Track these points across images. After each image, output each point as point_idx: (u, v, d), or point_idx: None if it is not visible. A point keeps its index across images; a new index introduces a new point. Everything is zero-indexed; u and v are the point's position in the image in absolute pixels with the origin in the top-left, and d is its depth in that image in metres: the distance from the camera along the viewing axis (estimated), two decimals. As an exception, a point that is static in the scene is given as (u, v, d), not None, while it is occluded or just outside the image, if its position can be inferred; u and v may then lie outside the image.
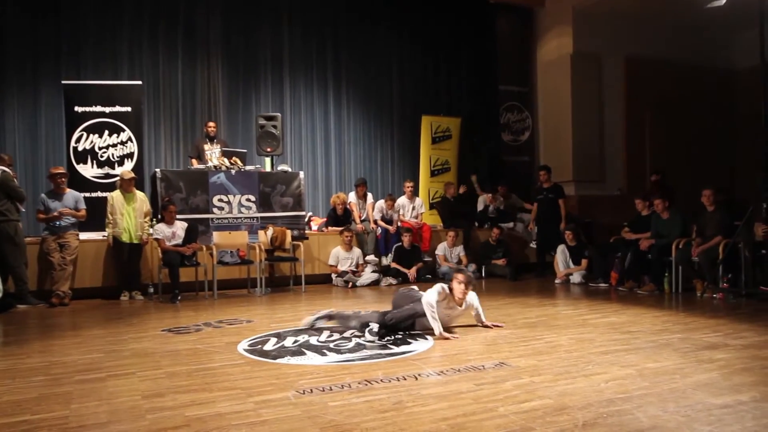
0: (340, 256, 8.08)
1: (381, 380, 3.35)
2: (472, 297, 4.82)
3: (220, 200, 7.88)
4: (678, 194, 8.39)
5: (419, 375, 3.44)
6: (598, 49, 10.35)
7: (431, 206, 10.03)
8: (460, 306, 4.74)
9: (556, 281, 7.96)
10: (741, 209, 6.63)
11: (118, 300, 6.91)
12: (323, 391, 3.16)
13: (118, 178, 7.25)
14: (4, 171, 6.60)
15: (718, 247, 6.51)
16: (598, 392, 3.06)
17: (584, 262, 7.89)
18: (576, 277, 7.85)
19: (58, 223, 6.85)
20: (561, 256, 8.08)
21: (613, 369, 3.52)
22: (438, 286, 4.64)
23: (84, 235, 7.15)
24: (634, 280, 7.22)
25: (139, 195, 7.19)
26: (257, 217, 8.02)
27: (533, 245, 9.14)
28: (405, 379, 3.37)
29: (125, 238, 6.95)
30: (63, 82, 8.02)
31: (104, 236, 7.08)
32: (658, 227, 7.23)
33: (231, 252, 7.52)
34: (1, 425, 2.73)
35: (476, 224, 9.38)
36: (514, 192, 9.98)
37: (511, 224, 9.50)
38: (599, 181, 10.37)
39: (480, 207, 9.61)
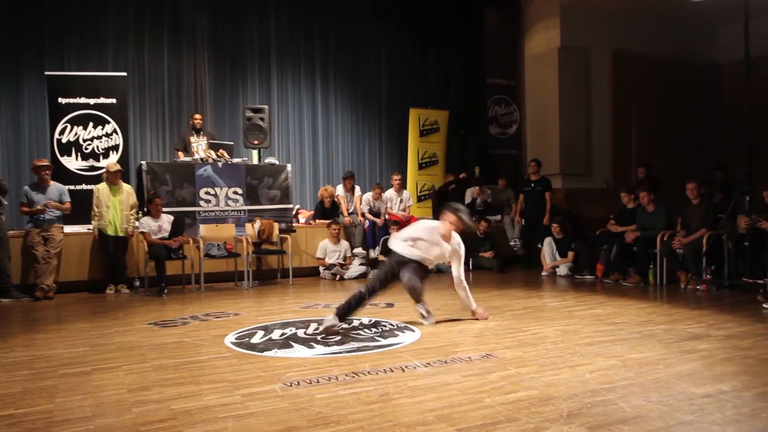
0: (328, 249, 8.07)
1: (368, 372, 3.36)
2: (458, 241, 4.87)
3: (207, 193, 7.83)
4: (664, 187, 8.47)
5: (406, 367, 3.46)
6: (585, 42, 10.38)
7: (424, 197, 10.04)
8: (447, 242, 4.77)
9: (543, 273, 8.02)
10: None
11: (103, 293, 6.86)
12: (310, 383, 3.16)
13: (104, 170, 7.18)
14: (-14, 163, 6.51)
15: (702, 240, 6.59)
16: (582, 383, 3.10)
17: (571, 254, 7.95)
18: (562, 270, 7.92)
19: (42, 216, 6.77)
20: (548, 248, 8.13)
21: (598, 360, 3.56)
22: (435, 223, 4.88)
23: (69, 228, 7.07)
24: (619, 272, 7.29)
25: (126, 188, 7.12)
26: (244, 210, 7.98)
27: (512, 243, 9.19)
28: (392, 371, 3.38)
29: (111, 231, 6.89)
30: (46, 73, 7.91)
31: (89, 229, 7.02)
32: (643, 220, 7.30)
33: (218, 245, 7.48)
34: (-16, 419, 2.71)
35: (473, 218, 9.35)
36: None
37: (498, 217, 9.54)
38: (586, 174, 10.44)
39: (468, 200, 9.63)
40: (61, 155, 7.60)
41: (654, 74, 10.58)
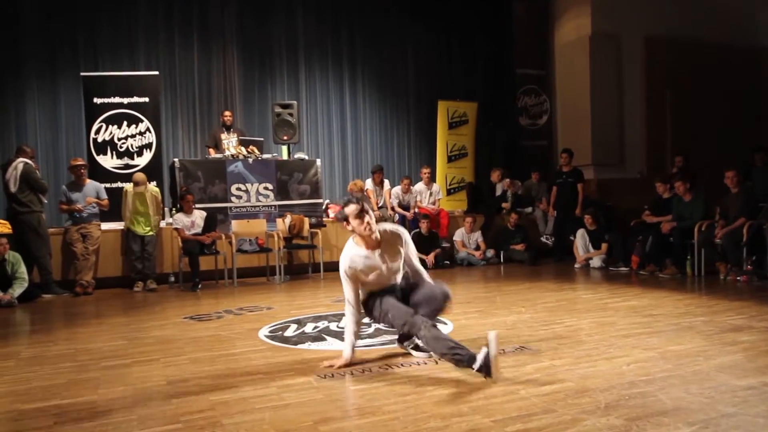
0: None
1: (401, 365, 3.36)
2: (390, 228, 3.46)
3: (238, 189, 7.92)
4: (701, 176, 8.25)
5: (439, 359, 3.45)
6: (616, 29, 10.16)
7: (453, 190, 10.01)
8: (378, 248, 3.35)
9: (576, 266, 7.90)
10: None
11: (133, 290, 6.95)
12: (344, 375, 3.18)
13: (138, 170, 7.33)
14: (26, 163, 6.71)
15: (742, 229, 6.40)
16: (619, 375, 3.04)
17: (604, 246, 7.82)
18: (596, 262, 7.79)
19: (80, 213, 6.96)
20: (580, 240, 8.01)
21: (635, 352, 3.49)
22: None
23: (105, 226, 7.25)
24: (655, 263, 7.13)
25: (151, 188, 7.25)
26: (275, 206, 8.06)
27: (545, 239, 9.07)
28: (425, 363, 3.38)
29: (140, 231, 7.03)
30: (81, 74, 8.11)
31: (123, 227, 7.18)
32: (679, 210, 7.12)
33: (250, 240, 7.58)
34: (34, 409, 2.80)
35: (503, 210, 9.27)
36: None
37: (529, 209, 9.43)
38: (619, 164, 10.23)
39: (498, 192, 9.55)
40: (97, 154, 7.78)
41: (688, 60, 10.29)
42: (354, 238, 3.43)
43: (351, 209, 3.30)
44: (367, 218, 3.29)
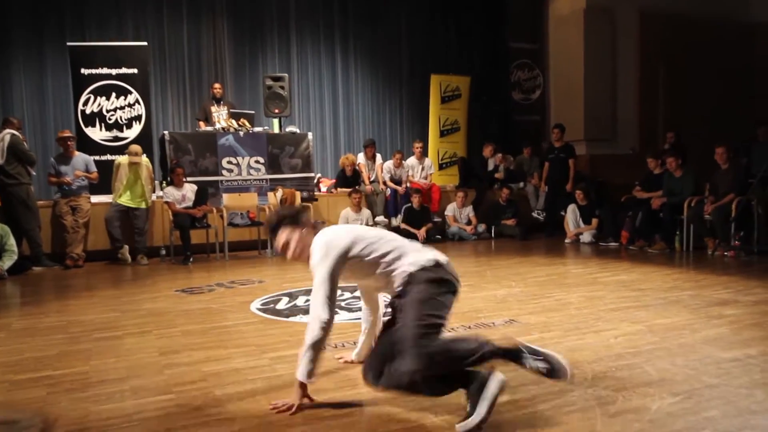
0: (350, 218, 8.09)
1: (392, 337, 3.39)
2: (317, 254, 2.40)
3: (229, 162, 7.87)
4: (692, 152, 8.28)
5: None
6: (611, 2, 10.06)
7: (445, 165, 9.99)
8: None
9: (566, 241, 7.95)
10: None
11: (131, 263, 6.89)
12: (336, 347, 3.21)
13: (127, 147, 7.23)
14: (13, 134, 6.62)
15: (731, 205, 6.45)
16: (607, 347, 3.09)
17: (595, 221, 7.87)
18: (586, 237, 7.84)
19: (69, 186, 6.90)
20: (571, 215, 8.05)
21: (623, 325, 3.54)
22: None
23: (95, 199, 7.19)
24: (644, 239, 7.20)
25: (144, 161, 7.18)
26: (266, 179, 8.02)
27: (536, 214, 9.10)
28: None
29: (131, 204, 6.99)
30: (68, 44, 7.94)
31: (113, 200, 7.13)
32: (670, 185, 7.16)
33: (241, 214, 7.55)
34: (26, 380, 2.82)
35: (495, 185, 9.27)
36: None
37: (521, 184, 9.45)
38: (611, 139, 10.23)
39: (490, 167, 9.55)
40: (86, 126, 7.68)
41: (683, 35, 10.23)
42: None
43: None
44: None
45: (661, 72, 10.42)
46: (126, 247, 6.95)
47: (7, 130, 6.62)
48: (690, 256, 6.57)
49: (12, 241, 6.22)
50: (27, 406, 2.42)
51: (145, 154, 7.36)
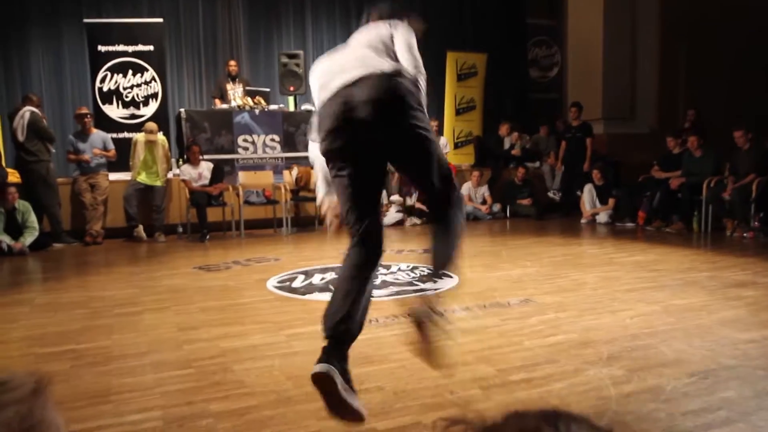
0: (365, 196, 8.10)
1: (408, 315, 3.41)
2: None
3: (245, 140, 7.89)
4: (712, 132, 8.13)
5: (445, 311, 3.50)
6: (633, -22, 9.84)
7: (461, 143, 9.93)
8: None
9: (583, 221, 7.90)
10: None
11: (149, 239, 6.99)
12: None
13: (144, 124, 7.28)
14: (33, 111, 6.68)
15: (752, 185, 6.36)
16: (623, 327, 3.09)
17: (611, 201, 7.79)
18: (603, 217, 7.78)
19: (88, 163, 6.98)
20: (588, 195, 7.98)
21: (639, 306, 3.53)
22: None
23: (113, 176, 7.27)
24: (662, 219, 7.12)
25: (160, 139, 7.22)
26: (282, 157, 8.04)
27: (552, 194, 9.02)
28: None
29: (148, 181, 7.05)
30: (85, 20, 7.96)
31: (130, 177, 7.20)
32: (690, 165, 7.06)
33: (257, 192, 7.60)
34: (50, 353, 2.89)
35: (511, 164, 9.20)
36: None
37: (537, 164, 9.37)
38: (630, 118, 10.07)
39: (506, 146, 9.47)
40: (103, 103, 7.72)
41: (706, 12, 9.97)
42: None
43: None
44: None
45: (682, 50, 10.20)
46: (140, 226, 7.02)
47: (27, 108, 6.68)
48: (708, 237, 6.50)
49: (33, 218, 6.32)
50: (19, 367, 2.49)
51: (161, 132, 7.41)
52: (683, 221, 6.92)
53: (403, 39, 2.26)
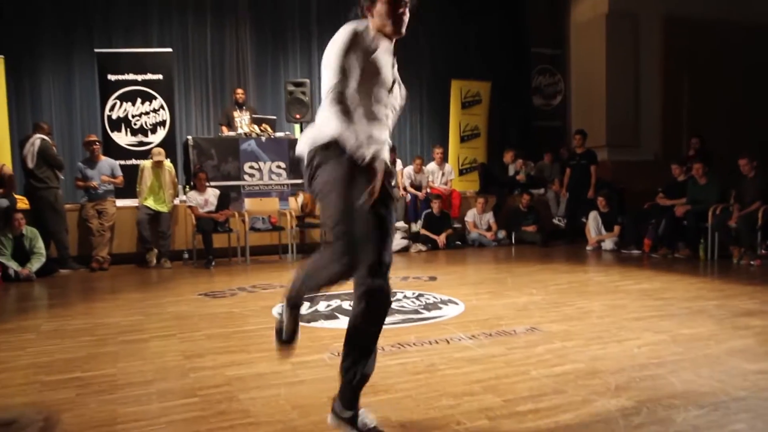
0: (370, 223, 8.12)
1: (413, 344, 3.40)
2: None
3: (251, 167, 7.96)
4: (716, 159, 8.16)
5: (451, 339, 3.49)
6: (634, 8, 9.98)
7: (466, 170, 9.98)
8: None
9: (588, 248, 7.89)
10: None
11: (154, 266, 7.01)
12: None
13: (151, 151, 7.37)
14: (43, 139, 6.78)
15: (758, 213, 6.35)
16: (630, 357, 3.07)
17: (617, 228, 7.79)
18: (608, 244, 7.77)
19: (95, 190, 7.04)
20: (593, 222, 7.98)
21: (646, 335, 3.51)
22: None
23: (120, 202, 7.32)
24: (668, 246, 7.11)
25: (166, 165, 7.29)
26: (288, 184, 8.09)
27: (557, 220, 9.03)
28: (437, 342, 3.42)
29: (154, 206, 7.10)
30: (96, 50, 8.12)
31: (138, 203, 7.25)
32: (695, 193, 7.07)
33: (262, 218, 7.64)
34: (57, 381, 2.88)
35: (515, 191, 9.23)
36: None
37: (541, 190, 9.40)
38: (633, 146, 10.13)
39: (510, 173, 9.51)
40: (112, 131, 7.83)
41: (708, 40, 10.10)
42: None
43: None
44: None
45: (685, 77, 10.30)
46: (154, 250, 7.05)
47: (37, 135, 6.78)
48: (714, 265, 6.47)
49: (40, 244, 6.36)
50: (27, 406, 2.48)
51: (168, 159, 7.49)
52: (690, 249, 6.90)
53: (324, 58, 2.04)
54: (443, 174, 9.09)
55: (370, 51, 2.04)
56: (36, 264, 6.25)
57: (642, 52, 10.17)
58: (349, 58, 1.98)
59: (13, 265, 6.10)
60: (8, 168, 6.88)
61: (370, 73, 2.04)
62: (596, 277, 5.89)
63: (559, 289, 5.11)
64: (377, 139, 2.09)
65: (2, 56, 7.45)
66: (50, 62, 8.61)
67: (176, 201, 7.43)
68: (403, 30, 2.15)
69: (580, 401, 2.47)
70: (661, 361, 2.98)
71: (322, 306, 4.52)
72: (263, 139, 8.04)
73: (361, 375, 2.14)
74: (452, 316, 4.13)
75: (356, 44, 2.00)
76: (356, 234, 2.00)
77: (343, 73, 1.98)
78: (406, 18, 2.13)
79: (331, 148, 2.00)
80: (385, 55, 2.12)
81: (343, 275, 2.10)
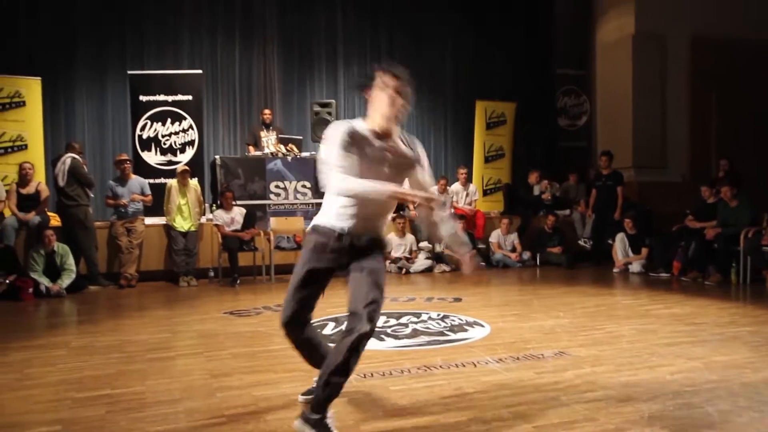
0: (394, 243, 8.12)
1: (440, 366, 3.37)
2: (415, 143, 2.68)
3: (277, 186, 8.04)
4: (747, 181, 8.00)
5: (478, 362, 3.45)
6: (661, 28, 9.91)
7: (490, 191, 9.95)
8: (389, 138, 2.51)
9: (615, 270, 7.76)
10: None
11: (178, 284, 7.10)
12: (383, 375, 3.21)
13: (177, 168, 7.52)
14: (74, 158, 6.95)
15: (791, 237, 6.19)
16: (663, 384, 3.00)
17: (644, 250, 7.66)
18: (635, 267, 7.64)
19: (125, 208, 7.18)
20: (620, 244, 7.86)
21: (679, 361, 3.43)
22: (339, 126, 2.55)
23: (149, 221, 7.44)
24: (698, 270, 6.96)
25: (192, 184, 7.40)
26: (313, 203, 8.14)
27: (582, 242, 8.90)
28: (464, 365, 3.38)
29: (180, 226, 7.20)
30: (128, 72, 8.34)
31: (165, 221, 7.36)
32: (725, 216, 6.93)
33: (287, 237, 7.69)
34: (87, 398, 2.92)
35: (540, 212, 9.15)
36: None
37: (567, 212, 9.30)
38: (661, 167, 10.00)
39: (535, 193, 9.45)
40: (142, 150, 7.99)
41: (736, 61, 9.98)
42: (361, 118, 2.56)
43: (387, 78, 2.48)
44: (400, 100, 2.48)
45: (713, 99, 10.17)
46: (185, 278, 7.08)
47: (69, 154, 6.96)
48: (747, 290, 6.31)
49: (71, 261, 6.48)
50: (56, 413, 2.50)
51: (196, 178, 7.60)
52: (721, 272, 6.74)
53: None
54: (467, 194, 9.07)
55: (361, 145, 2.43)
56: (66, 280, 6.36)
57: (669, 72, 10.08)
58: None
59: (44, 281, 6.22)
60: (44, 186, 7.07)
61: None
62: (624, 301, 5.78)
63: (586, 312, 5.03)
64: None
65: (39, 77, 7.69)
66: (84, 83, 8.86)
67: (202, 219, 7.53)
68: (400, 118, 2.51)
69: (612, 429, 2.42)
70: (695, 389, 2.91)
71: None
72: (289, 158, 8.13)
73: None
74: (478, 338, 4.08)
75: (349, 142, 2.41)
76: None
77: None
78: (399, 103, 2.51)
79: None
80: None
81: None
